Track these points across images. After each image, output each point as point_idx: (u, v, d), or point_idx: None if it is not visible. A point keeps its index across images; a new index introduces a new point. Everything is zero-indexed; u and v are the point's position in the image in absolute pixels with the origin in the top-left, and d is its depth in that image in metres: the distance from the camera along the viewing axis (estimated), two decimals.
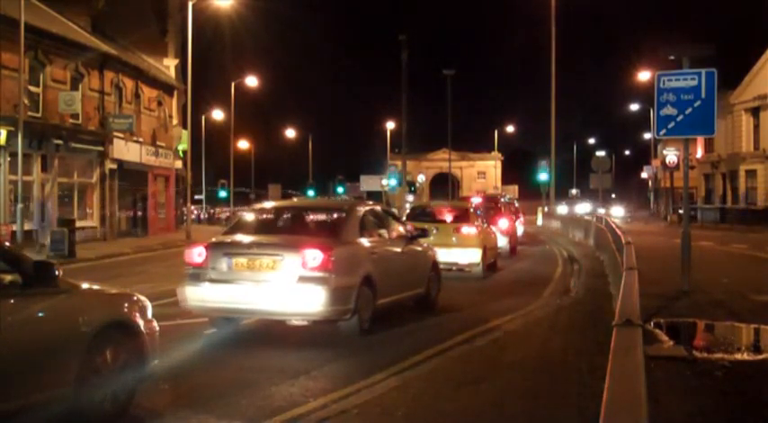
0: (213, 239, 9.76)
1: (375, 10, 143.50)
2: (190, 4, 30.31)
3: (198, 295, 9.02)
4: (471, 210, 17.56)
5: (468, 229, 16.17)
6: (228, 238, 9.69)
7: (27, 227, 23.20)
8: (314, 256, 8.61)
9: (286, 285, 8.64)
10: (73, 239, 21.32)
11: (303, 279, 8.58)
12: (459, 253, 15.56)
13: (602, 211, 40.79)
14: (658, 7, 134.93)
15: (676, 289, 11.85)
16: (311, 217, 10.55)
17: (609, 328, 4.79)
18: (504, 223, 21.35)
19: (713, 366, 7.07)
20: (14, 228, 22.14)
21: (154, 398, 6.43)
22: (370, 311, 9.35)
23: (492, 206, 23.48)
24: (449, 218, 17.21)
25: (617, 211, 59.74)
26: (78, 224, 24.47)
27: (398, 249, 10.74)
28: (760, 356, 8.15)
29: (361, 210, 10.39)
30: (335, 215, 10.30)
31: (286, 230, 10.14)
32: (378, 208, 11.70)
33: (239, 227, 10.36)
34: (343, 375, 7.30)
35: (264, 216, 10.78)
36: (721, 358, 7.42)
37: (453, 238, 15.67)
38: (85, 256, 21.58)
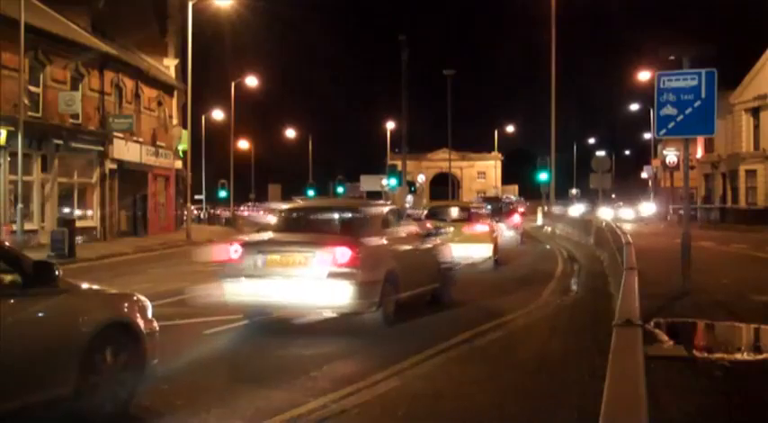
0: (247, 238, 10.65)
1: (375, 10, 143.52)
2: (190, 4, 30.30)
3: (235, 290, 9.58)
4: (483, 210, 20.21)
5: (482, 228, 18.16)
6: (261, 237, 10.60)
7: (27, 227, 23.19)
8: (343, 253, 9.24)
9: (316, 280, 9.23)
10: (73, 239, 21.31)
11: (332, 274, 9.17)
12: (473, 248, 17.09)
13: (606, 213, 38.24)
14: (658, 7, 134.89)
15: (676, 289, 11.84)
16: (337, 216, 11.16)
17: (609, 328, 4.79)
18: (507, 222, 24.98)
19: (713, 366, 7.06)
20: (14, 228, 22.14)
21: (154, 398, 6.43)
22: (393, 304, 9.93)
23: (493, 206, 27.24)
24: (463, 217, 19.24)
25: (626, 213, 54.97)
26: (78, 224, 24.47)
27: (417, 246, 11.38)
28: (760, 356, 8.14)
29: (384, 209, 11.33)
30: (360, 214, 10.96)
31: (315, 229, 10.70)
32: (397, 208, 12.76)
33: (269, 226, 11.44)
34: (344, 375, 7.29)
35: (293, 215, 11.58)
36: (721, 358, 7.41)
37: (467, 235, 17.31)
38: (85, 256, 21.57)
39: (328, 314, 9.88)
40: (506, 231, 23.80)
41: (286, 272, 9.38)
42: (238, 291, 9.56)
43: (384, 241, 10.43)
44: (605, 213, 38.49)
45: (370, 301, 9.36)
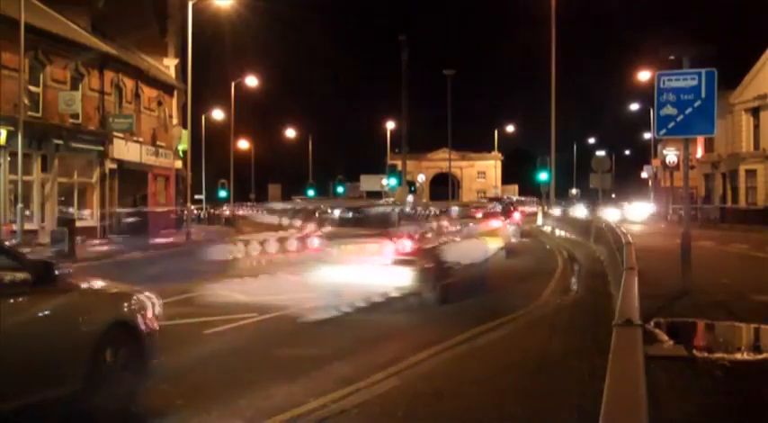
0: (325, 232, 13.47)
1: (375, 10, 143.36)
2: (190, 4, 30.29)
3: (318, 275, 11.76)
4: (496, 209, 26.27)
5: (496, 223, 22.15)
6: (337, 231, 13.02)
7: (27, 227, 23.19)
8: (405, 244, 11.55)
9: (383, 266, 11.32)
10: (73, 239, 21.31)
11: (397, 261, 11.34)
12: (488, 241, 19.11)
13: (611, 214, 37.33)
14: (658, 7, 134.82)
15: (676, 289, 11.83)
16: (395, 213, 13.55)
17: (609, 328, 4.78)
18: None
19: (713, 366, 7.06)
20: (14, 227, 22.14)
21: (154, 398, 6.43)
22: (444, 287, 11.71)
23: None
24: (478, 215, 23.34)
25: (637, 212, 50.16)
26: (78, 224, 24.46)
27: (458, 240, 13.54)
28: (760, 356, 8.14)
29: (432, 209, 14.13)
30: (415, 212, 13.72)
31: (378, 224, 12.69)
32: (434, 207, 16.53)
33: (338, 222, 14.34)
34: (343, 375, 7.28)
35: (354, 213, 14.13)
36: (721, 358, 7.40)
37: (483, 232, 19.28)
38: (85, 255, 21.57)
39: (393, 294, 11.36)
40: (509, 226, 27.45)
41: (359, 259, 11.47)
42: (319, 275, 11.68)
43: (435, 234, 12.74)
44: (611, 214, 37.98)
45: (426, 283, 11.34)
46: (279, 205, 48.79)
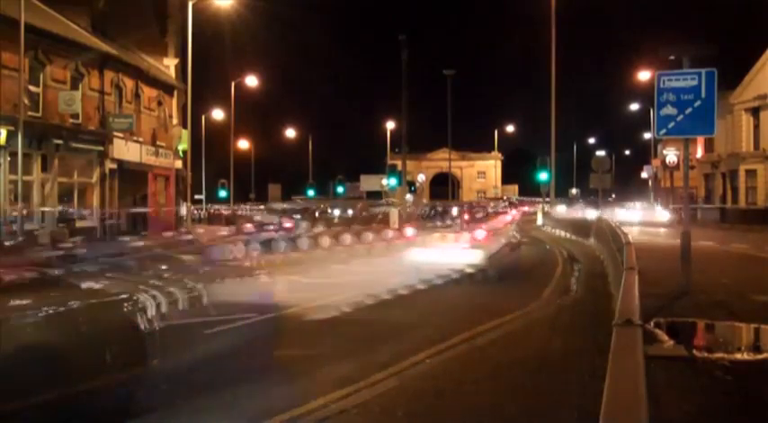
0: (417, 224, 22.02)
1: (375, 10, 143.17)
2: (190, 4, 30.27)
3: (412, 256, 16.09)
4: (507, 206, 33.55)
5: (505, 218, 28.77)
6: (425, 224, 20.94)
7: (27, 227, 23.18)
8: (481, 233, 16.83)
9: (462, 249, 15.71)
10: (73, 239, 21.30)
11: (473, 246, 15.81)
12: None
13: (626, 214, 36.03)
14: (658, 7, 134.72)
15: (676, 289, 11.83)
16: (466, 209, 19.06)
17: (609, 328, 4.78)
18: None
19: (713, 366, 7.06)
20: (14, 227, 22.13)
21: (154, 398, 6.43)
22: (500, 267, 15.42)
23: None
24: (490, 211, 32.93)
25: (661, 214, 44.51)
26: (78, 224, 24.45)
27: (507, 229, 19.42)
28: (760, 356, 8.14)
29: (491, 205, 20.83)
30: (477, 208, 19.14)
31: (455, 218, 18.28)
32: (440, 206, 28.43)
33: (423, 216, 23.23)
34: (343, 375, 7.29)
35: (437, 209, 21.51)
36: (721, 358, 7.41)
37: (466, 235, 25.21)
38: (86, 256, 21.52)
39: (467, 270, 14.80)
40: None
41: (443, 244, 16.24)
42: (414, 257, 15.96)
43: (494, 225, 18.39)
44: (622, 216, 36.29)
45: (492, 262, 15.18)
46: (279, 205, 48.89)
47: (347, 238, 23.28)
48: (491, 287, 14.36)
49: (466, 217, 21.42)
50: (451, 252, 15.39)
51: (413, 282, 13.94)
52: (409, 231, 22.13)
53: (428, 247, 16.26)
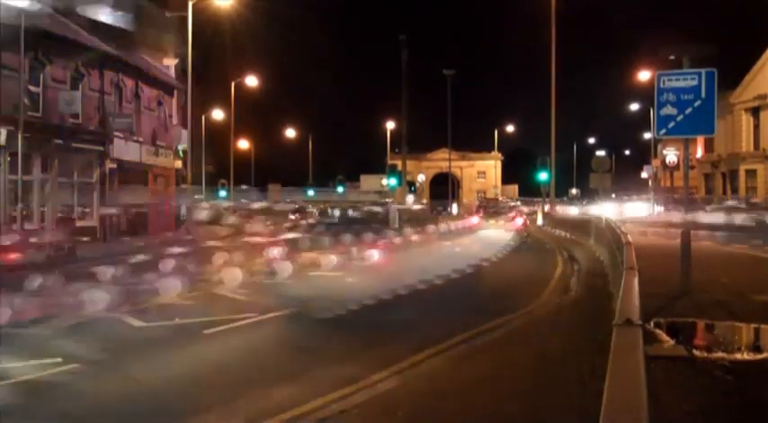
0: (482, 212, 48.21)
1: (375, 10, 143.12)
2: (190, 4, 30.28)
3: (481, 234, 30.36)
4: (520, 206, 46.77)
5: (518, 219, 37.95)
6: (485, 211, 47.29)
7: (27, 227, 23.18)
8: (521, 220, 36.64)
9: (506, 231, 31.47)
10: (73, 239, 21.30)
11: (515, 230, 32.13)
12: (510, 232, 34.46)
13: (645, 211, 35.82)
14: (658, 7, 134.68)
15: (676, 288, 11.82)
16: (505, 204, 46.48)
17: (609, 328, 4.78)
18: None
19: (713, 366, 7.05)
20: (14, 227, 22.14)
21: (154, 397, 6.43)
22: (528, 244, 25.58)
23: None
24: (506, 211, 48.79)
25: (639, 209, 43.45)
26: (78, 224, 24.45)
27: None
28: (760, 356, 8.13)
29: (519, 201, 35.17)
30: (515, 204, 31.10)
31: (501, 211, 46.60)
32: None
33: (478, 208, 50.68)
34: (343, 375, 7.29)
35: (488, 204, 49.55)
36: (721, 358, 7.40)
37: (509, 224, 36.48)
38: (85, 255, 21.53)
39: (511, 243, 25.33)
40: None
41: (495, 226, 35.91)
42: (480, 234, 29.35)
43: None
44: (633, 210, 37.09)
45: (526, 240, 27.34)
46: (279, 205, 49.12)
47: (450, 224, 36.37)
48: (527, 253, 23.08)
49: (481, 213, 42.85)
50: (501, 233, 27.65)
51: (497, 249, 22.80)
52: (474, 219, 39.85)
53: (488, 229, 29.60)
